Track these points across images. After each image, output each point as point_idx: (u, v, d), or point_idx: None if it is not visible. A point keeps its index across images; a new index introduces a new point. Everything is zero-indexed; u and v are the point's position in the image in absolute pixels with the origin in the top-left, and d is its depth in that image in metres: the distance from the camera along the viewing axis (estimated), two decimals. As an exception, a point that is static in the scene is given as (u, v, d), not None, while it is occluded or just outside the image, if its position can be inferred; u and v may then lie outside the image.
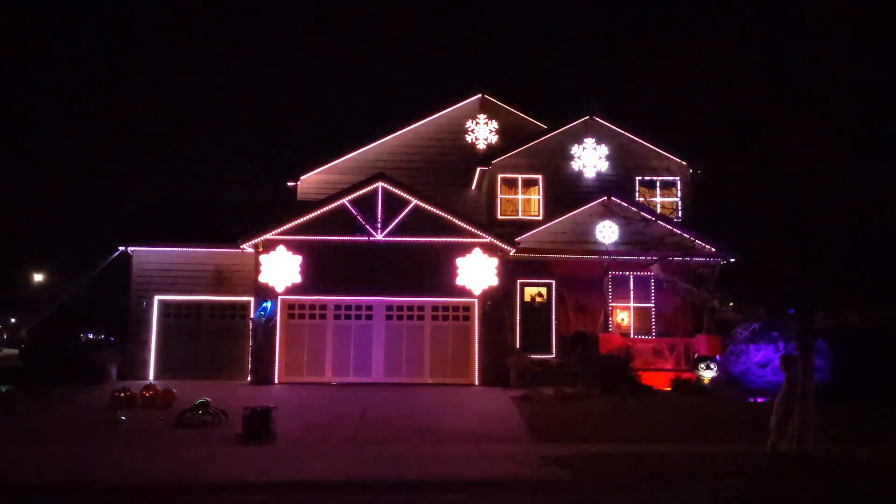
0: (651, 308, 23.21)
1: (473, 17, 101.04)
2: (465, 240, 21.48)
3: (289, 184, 26.36)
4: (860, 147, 11.95)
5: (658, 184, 24.97)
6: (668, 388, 19.90)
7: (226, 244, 21.79)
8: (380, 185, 21.58)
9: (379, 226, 21.38)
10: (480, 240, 21.50)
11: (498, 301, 21.62)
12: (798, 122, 12.05)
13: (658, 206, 24.37)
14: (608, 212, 22.34)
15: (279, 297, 21.26)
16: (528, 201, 24.87)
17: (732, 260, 20.85)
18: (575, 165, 24.89)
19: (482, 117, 26.68)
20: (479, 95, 26.81)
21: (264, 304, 21.14)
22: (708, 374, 20.29)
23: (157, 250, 22.60)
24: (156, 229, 23.31)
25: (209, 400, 15.19)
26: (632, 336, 22.67)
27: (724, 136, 12.95)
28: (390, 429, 14.68)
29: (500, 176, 24.83)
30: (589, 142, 24.96)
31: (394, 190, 21.60)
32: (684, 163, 24.44)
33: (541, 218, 24.17)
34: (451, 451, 12.74)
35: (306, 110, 74.37)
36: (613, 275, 22.82)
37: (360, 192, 21.54)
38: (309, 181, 26.15)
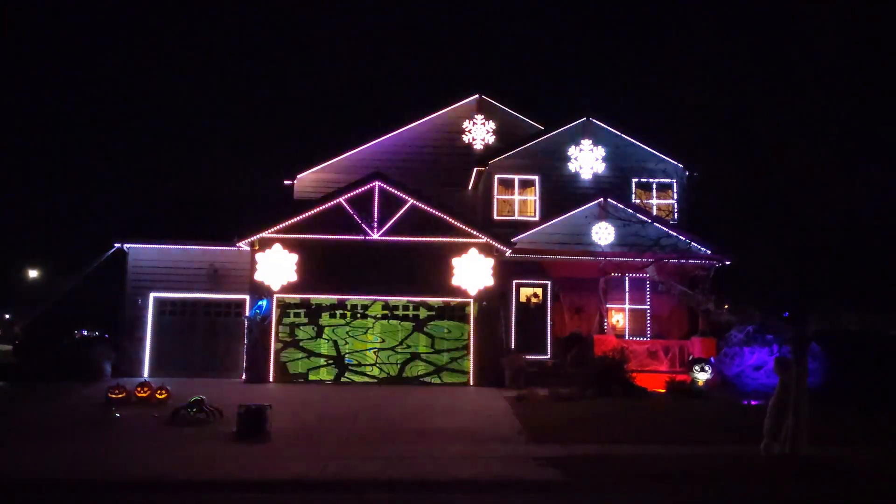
0: (646, 310, 23.26)
1: (471, 17, 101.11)
2: (461, 240, 21.49)
3: (285, 182, 26.40)
4: (855, 149, 11.98)
5: (654, 186, 25.01)
6: (663, 390, 19.94)
7: (222, 242, 21.78)
8: (376, 184, 21.59)
9: (375, 225, 21.38)
10: (476, 240, 21.52)
11: (493, 301, 21.64)
12: (793, 124, 12.08)
13: (654, 207, 24.44)
14: (604, 213, 22.39)
15: (275, 296, 21.26)
16: (525, 202, 24.88)
17: (728, 262, 20.95)
18: (571, 167, 24.91)
19: (479, 118, 26.74)
20: (477, 96, 26.87)
21: (260, 303, 21.14)
22: (702, 376, 20.35)
23: (153, 247, 22.58)
24: (152, 226, 23.28)
25: (204, 398, 15.19)
26: (627, 337, 22.70)
27: (719, 138, 12.97)
28: (384, 428, 14.68)
29: (496, 176, 24.84)
30: (586, 143, 24.97)
31: (390, 189, 21.60)
32: (680, 165, 24.47)
33: (537, 219, 24.19)
34: (446, 450, 12.74)
35: (304, 109, 74.31)
36: (609, 276, 22.83)
37: (357, 191, 21.55)
38: (306, 180, 26.20)
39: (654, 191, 25.05)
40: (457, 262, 21.42)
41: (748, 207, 12.78)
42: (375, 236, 21.39)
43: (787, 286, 12.51)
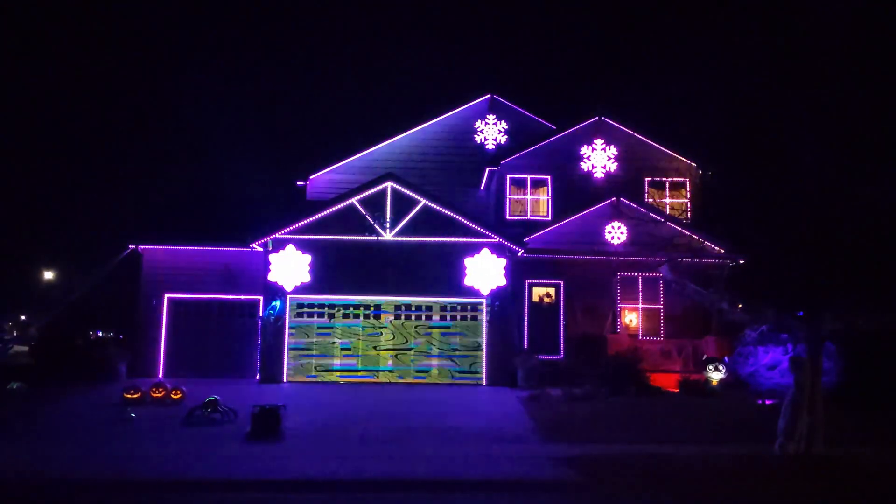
0: (659, 309, 23.18)
1: (483, 17, 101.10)
2: (473, 240, 21.50)
3: (298, 183, 26.51)
4: (870, 149, 11.92)
5: (667, 185, 24.95)
6: (676, 390, 19.85)
7: (235, 243, 21.93)
8: (389, 184, 21.63)
9: (388, 225, 21.43)
10: (489, 240, 21.51)
11: (506, 301, 21.63)
12: (808, 124, 12.02)
13: (667, 206, 24.38)
14: (617, 212, 22.35)
15: (288, 296, 21.35)
16: (537, 202, 24.87)
17: (741, 261, 20.84)
18: (584, 166, 24.89)
19: (491, 118, 26.74)
20: (489, 96, 26.88)
21: (273, 303, 21.23)
22: (716, 375, 20.25)
23: (167, 249, 22.73)
24: (166, 228, 23.46)
25: (218, 398, 15.28)
26: (640, 337, 22.64)
27: (733, 137, 12.94)
28: (397, 428, 14.71)
29: (508, 176, 24.84)
30: (598, 142, 24.95)
31: (403, 190, 21.64)
32: (693, 164, 24.42)
33: (549, 218, 24.18)
34: (459, 450, 12.75)
35: (316, 110, 74.56)
36: (622, 276, 22.77)
37: (370, 192, 21.60)
38: (318, 181, 26.30)
39: (668, 190, 24.99)
40: (469, 263, 21.43)
41: (762, 206, 12.73)
42: (388, 237, 21.44)
43: (801, 285, 12.45)
